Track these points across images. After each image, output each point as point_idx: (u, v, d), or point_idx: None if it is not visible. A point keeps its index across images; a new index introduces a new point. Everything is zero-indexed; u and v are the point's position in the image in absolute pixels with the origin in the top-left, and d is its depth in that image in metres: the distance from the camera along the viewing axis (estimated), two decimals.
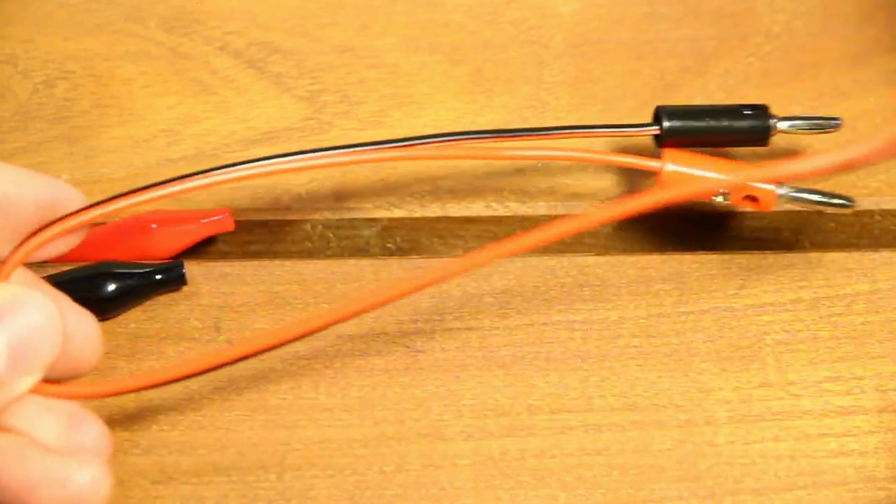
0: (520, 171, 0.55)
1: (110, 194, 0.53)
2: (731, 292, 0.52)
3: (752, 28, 0.58)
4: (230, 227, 0.53)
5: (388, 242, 0.54)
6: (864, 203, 0.54)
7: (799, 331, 0.51)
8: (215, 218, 0.52)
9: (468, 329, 0.51)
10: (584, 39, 0.58)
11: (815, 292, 0.52)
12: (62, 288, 0.50)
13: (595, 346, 0.51)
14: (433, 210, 0.54)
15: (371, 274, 0.52)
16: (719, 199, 0.50)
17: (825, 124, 0.52)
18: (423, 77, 0.57)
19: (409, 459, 0.49)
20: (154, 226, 0.52)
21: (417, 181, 0.55)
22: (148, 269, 0.51)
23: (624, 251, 0.54)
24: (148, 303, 0.51)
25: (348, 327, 0.51)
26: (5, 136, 0.55)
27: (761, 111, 0.52)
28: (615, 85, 0.57)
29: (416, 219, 0.54)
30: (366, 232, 0.54)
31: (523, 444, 0.49)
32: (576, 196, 0.54)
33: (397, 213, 0.54)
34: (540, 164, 0.53)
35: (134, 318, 0.51)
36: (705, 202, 0.52)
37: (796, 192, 0.50)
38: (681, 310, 0.51)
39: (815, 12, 0.58)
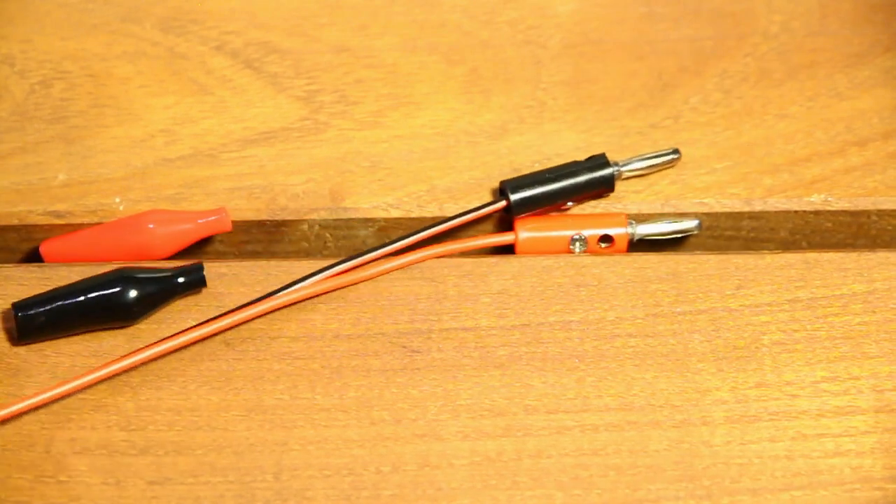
0: (517, 171, 0.54)
1: (108, 194, 0.54)
2: (729, 292, 0.52)
3: (750, 28, 0.58)
4: (227, 227, 0.53)
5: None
6: (861, 203, 0.54)
7: (796, 331, 0.51)
8: (212, 218, 0.52)
9: (465, 329, 0.51)
10: (582, 39, 0.58)
11: (811, 292, 0.52)
12: (83, 295, 0.49)
13: (592, 346, 0.51)
14: (430, 210, 0.54)
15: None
16: (577, 248, 0.53)
17: (665, 159, 0.54)
18: (421, 77, 0.57)
19: (406, 460, 0.49)
20: (152, 226, 0.52)
21: (414, 181, 0.54)
22: (168, 273, 0.50)
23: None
24: None
25: (345, 327, 0.51)
26: (2, 137, 0.55)
27: (601, 161, 0.53)
28: (613, 85, 0.57)
29: (413, 219, 0.54)
30: (362, 232, 0.54)
31: (520, 444, 0.49)
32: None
33: (394, 213, 0.54)
34: None
35: None
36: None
37: (646, 226, 0.53)
38: (678, 310, 0.51)
39: (813, 12, 0.58)
